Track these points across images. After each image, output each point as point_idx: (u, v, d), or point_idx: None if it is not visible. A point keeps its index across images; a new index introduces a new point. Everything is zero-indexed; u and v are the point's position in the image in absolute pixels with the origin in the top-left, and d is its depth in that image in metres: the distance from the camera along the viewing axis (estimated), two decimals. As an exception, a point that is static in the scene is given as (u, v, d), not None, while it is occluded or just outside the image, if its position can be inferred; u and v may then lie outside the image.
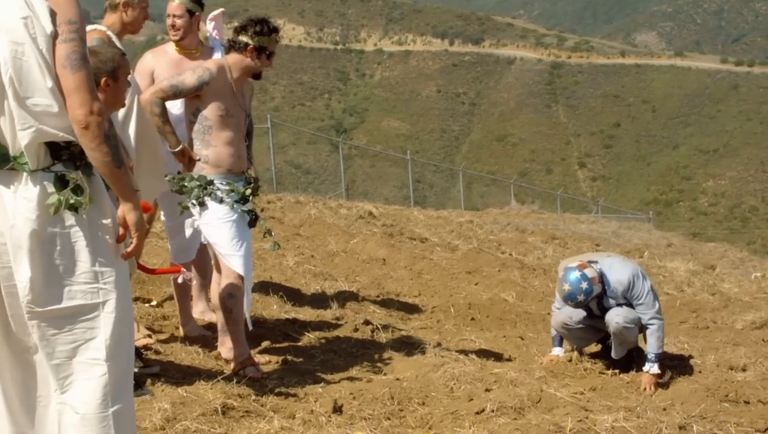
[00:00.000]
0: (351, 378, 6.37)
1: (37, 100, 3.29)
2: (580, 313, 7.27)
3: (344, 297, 9.06)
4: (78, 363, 3.43)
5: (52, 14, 3.29)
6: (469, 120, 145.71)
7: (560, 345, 7.50)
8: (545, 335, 8.74)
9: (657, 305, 7.16)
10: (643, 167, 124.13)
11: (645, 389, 6.85)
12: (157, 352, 6.42)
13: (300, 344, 7.21)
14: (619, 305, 7.10)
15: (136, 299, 7.88)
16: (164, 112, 6.04)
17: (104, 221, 3.49)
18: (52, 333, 3.41)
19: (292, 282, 9.45)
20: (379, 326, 7.97)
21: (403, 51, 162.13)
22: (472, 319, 9.25)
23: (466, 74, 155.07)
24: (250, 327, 6.51)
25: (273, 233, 6.59)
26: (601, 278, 7.06)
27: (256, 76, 6.37)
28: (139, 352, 5.91)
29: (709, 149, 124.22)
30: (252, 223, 6.24)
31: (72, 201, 3.36)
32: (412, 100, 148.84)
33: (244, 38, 6.20)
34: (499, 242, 15.67)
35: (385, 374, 6.57)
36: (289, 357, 6.80)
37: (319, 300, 8.84)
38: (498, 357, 7.62)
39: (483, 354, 7.60)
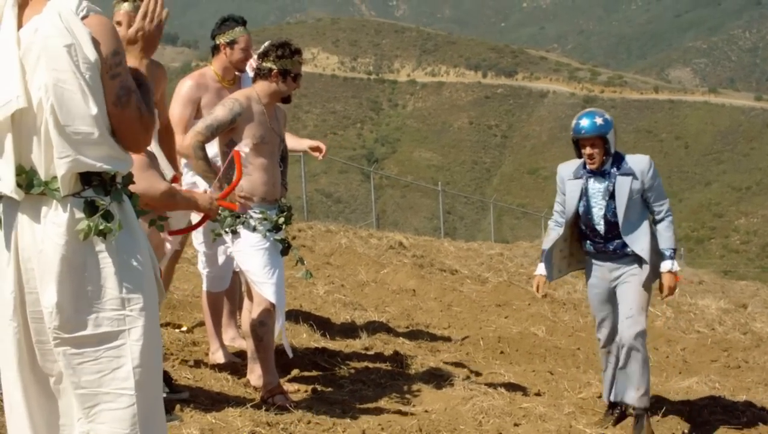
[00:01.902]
0: (379, 409, 6.35)
1: (78, 128, 3.30)
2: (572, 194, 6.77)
3: (374, 327, 9.05)
4: (104, 393, 3.39)
5: (95, 42, 3.31)
6: (500, 152, 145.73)
7: (546, 261, 7.01)
8: (575, 370, 8.70)
9: (667, 197, 6.85)
10: (675, 203, 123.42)
11: (668, 292, 6.74)
12: (186, 378, 6.43)
13: (329, 373, 7.19)
14: (632, 201, 6.62)
15: (167, 324, 7.89)
16: (206, 156, 6.05)
17: (134, 248, 3.48)
18: (78, 362, 3.38)
19: (322, 311, 9.45)
20: (408, 357, 7.95)
21: (436, 82, 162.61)
22: (502, 352, 9.21)
23: (499, 107, 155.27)
24: (290, 355, 6.52)
25: (305, 262, 6.59)
26: (618, 154, 6.73)
27: (285, 100, 6.36)
28: (168, 378, 5.93)
29: (741, 187, 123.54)
30: (284, 251, 6.24)
31: (101, 227, 3.34)
32: (444, 132, 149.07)
33: (267, 64, 6.22)
34: (529, 276, 15.59)
35: (413, 405, 6.55)
36: (318, 387, 6.79)
37: (349, 330, 8.83)
38: (527, 392, 7.58)
39: (512, 387, 7.57)
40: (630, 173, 6.63)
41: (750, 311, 15.37)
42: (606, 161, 6.65)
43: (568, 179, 6.84)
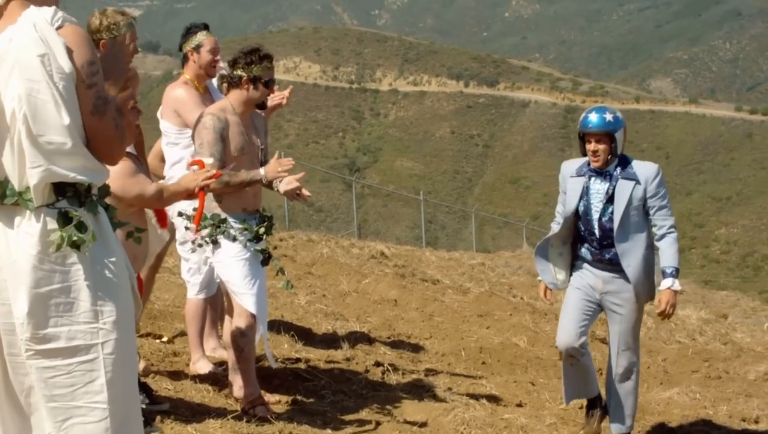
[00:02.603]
0: (361, 421, 6.34)
1: (51, 138, 3.29)
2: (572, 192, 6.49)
3: (355, 338, 9.04)
4: (77, 407, 3.38)
5: (69, 52, 3.30)
6: (482, 162, 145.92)
7: (544, 262, 6.77)
8: (556, 381, 8.69)
9: (673, 214, 6.50)
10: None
11: (666, 310, 6.31)
12: (167, 389, 6.40)
13: (310, 384, 7.17)
14: (632, 208, 6.29)
15: (147, 334, 7.86)
16: (229, 173, 5.99)
17: (109, 259, 3.46)
18: (50, 375, 3.36)
19: (304, 321, 9.43)
20: (389, 368, 7.94)
21: (418, 91, 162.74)
22: (483, 363, 9.21)
23: (481, 116, 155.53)
24: (273, 365, 6.51)
25: (286, 272, 6.57)
26: (624, 157, 6.44)
27: (260, 106, 6.32)
28: (148, 389, 5.90)
29: (722, 197, 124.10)
30: (265, 262, 6.23)
31: (75, 238, 3.33)
32: (426, 141, 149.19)
33: (237, 72, 6.21)
34: (510, 286, 15.62)
35: (395, 416, 6.54)
36: (299, 397, 6.78)
37: (330, 340, 8.81)
38: (508, 403, 7.58)
39: (493, 398, 7.57)
40: (633, 179, 6.32)
41: (730, 321, 15.44)
42: (611, 161, 6.37)
43: (570, 176, 6.55)
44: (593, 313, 6.57)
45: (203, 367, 7.05)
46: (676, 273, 6.29)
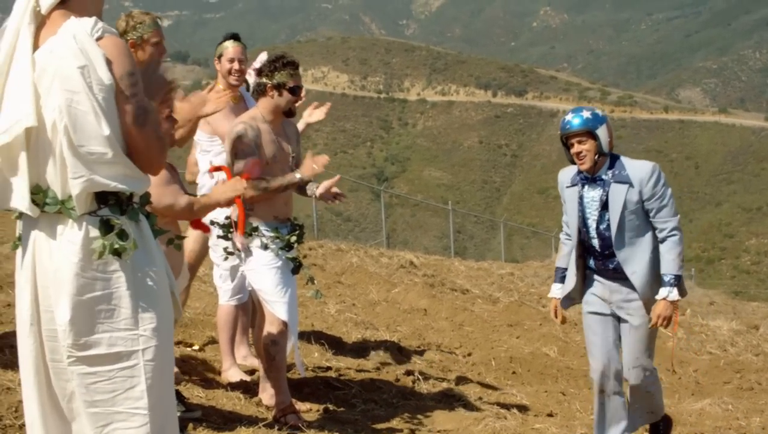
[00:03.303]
0: (391, 429, 6.33)
1: (92, 149, 3.32)
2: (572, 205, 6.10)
3: (385, 347, 9.03)
4: (118, 413, 3.41)
5: (108, 63, 3.33)
6: (510, 172, 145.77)
7: (561, 280, 6.33)
8: (587, 391, 8.66)
9: (677, 214, 6.00)
10: (685, 223, 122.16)
11: (660, 321, 5.83)
12: (198, 397, 6.42)
13: (341, 393, 7.17)
14: (628, 212, 5.87)
15: (178, 343, 7.88)
16: (266, 179, 6.04)
17: (150, 267, 3.49)
18: (91, 381, 3.39)
19: (334, 330, 9.43)
20: (420, 377, 7.93)
21: (446, 101, 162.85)
22: (514, 373, 9.18)
23: (509, 126, 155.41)
24: (303, 373, 6.52)
25: (316, 281, 6.57)
26: (614, 157, 6.00)
27: (288, 114, 6.32)
28: (181, 396, 5.92)
29: (752, 207, 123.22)
30: (296, 270, 6.23)
31: (116, 246, 3.36)
32: (454, 151, 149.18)
33: (262, 80, 6.24)
34: (540, 295, 15.57)
35: (425, 426, 6.52)
36: (330, 406, 6.77)
37: (361, 349, 8.81)
38: (539, 413, 7.55)
39: (524, 408, 7.54)
40: (626, 181, 5.89)
41: (762, 332, 15.30)
42: (600, 163, 5.96)
43: (566, 187, 6.20)
44: (615, 329, 6.12)
45: (234, 375, 7.06)
46: (675, 281, 5.81)
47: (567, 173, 6.23)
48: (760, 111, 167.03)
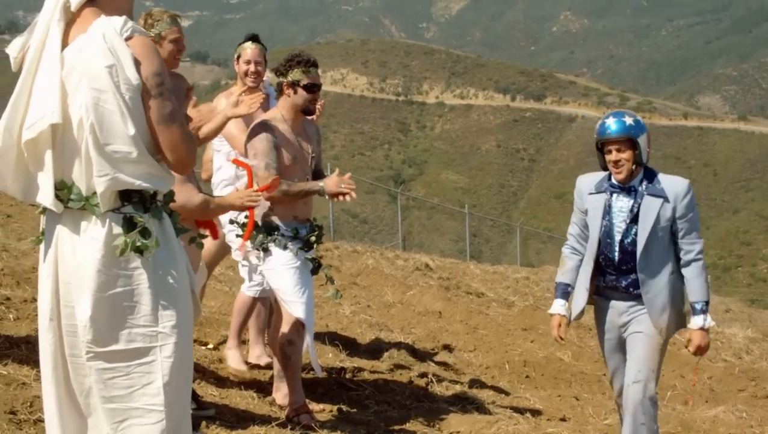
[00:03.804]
0: (404, 431, 6.34)
1: (117, 147, 3.35)
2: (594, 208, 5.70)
3: (400, 349, 9.04)
4: (134, 409, 3.44)
5: (136, 63, 3.36)
6: (528, 176, 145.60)
7: (564, 296, 5.92)
8: (600, 396, 8.66)
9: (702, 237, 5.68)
10: (702, 230, 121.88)
11: (699, 351, 5.60)
12: (212, 395, 6.44)
13: (354, 394, 7.19)
14: (659, 228, 5.52)
15: (193, 341, 7.91)
16: (287, 183, 6.03)
17: (171, 265, 3.52)
18: (109, 376, 3.43)
19: (348, 331, 9.45)
20: (433, 379, 7.94)
21: (465, 105, 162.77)
22: (527, 377, 9.18)
23: (527, 130, 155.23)
24: (320, 373, 6.55)
25: (335, 282, 6.59)
26: (647, 169, 5.65)
27: (306, 112, 6.28)
28: (195, 394, 5.95)
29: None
30: (315, 270, 6.25)
31: (139, 244, 3.40)
32: (472, 154, 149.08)
33: (279, 78, 6.26)
34: (555, 300, 15.55)
35: (438, 428, 6.54)
36: (343, 407, 6.79)
37: (375, 351, 8.83)
38: (552, 417, 7.55)
39: (537, 412, 7.54)
40: (661, 195, 5.52)
41: (777, 340, 15.26)
42: (635, 173, 5.59)
43: (589, 193, 5.76)
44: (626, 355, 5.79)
45: (232, 358, 7.14)
46: (707, 307, 5.53)
47: (589, 180, 5.83)
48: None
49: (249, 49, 7.01)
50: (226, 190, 7.00)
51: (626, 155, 5.52)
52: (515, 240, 42.03)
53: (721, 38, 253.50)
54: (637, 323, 5.63)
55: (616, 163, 5.54)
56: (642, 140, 5.52)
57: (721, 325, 16.50)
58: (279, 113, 6.23)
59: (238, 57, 7.04)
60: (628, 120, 5.53)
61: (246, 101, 5.90)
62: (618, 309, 5.71)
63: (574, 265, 5.87)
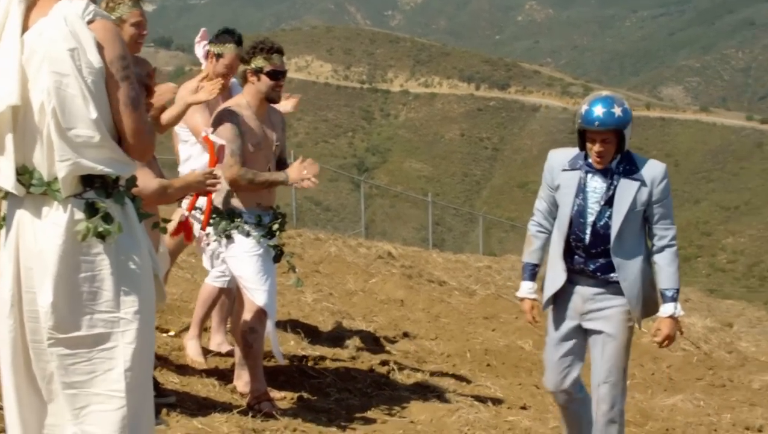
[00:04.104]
0: (365, 419, 6.37)
1: (80, 132, 3.34)
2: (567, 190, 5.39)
3: (361, 337, 9.06)
4: (95, 394, 3.44)
5: (99, 47, 3.35)
6: (491, 165, 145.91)
7: (532, 277, 5.68)
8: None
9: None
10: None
11: (666, 340, 5.34)
12: (173, 382, 6.44)
13: (316, 381, 7.21)
14: (634, 212, 5.27)
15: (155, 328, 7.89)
16: (252, 172, 6.04)
17: (135, 250, 3.51)
18: (70, 362, 3.42)
19: (310, 319, 9.45)
20: (395, 367, 7.97)
21: (429, 93, 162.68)
22: (488, 365, 9.22)
23: (491, 119, 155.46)
24: (282, 361, 6.56)
25: (297, 270, 6.59)
26: (628, 152, 5.38)
27: (270, 100, 6.26)
28: (155, 382, 5.93)
29: (730, 206, 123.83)
30: (277, 258, 6.25)
31: (101, 229, 3.40)
32: (436, 143, 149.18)
33: (243, 66, 6.25)
34: (516, 289, 15.58)
35: (399, 416, 6.56)
36: (305, 394, 6.81)
37: (336, 338, 8.84)
38: (513, 405, 7.60)
39: (498, 401, 7.59)
40: (638, 179, 5.28)
41: (735, 330, 15.44)
42: (614, 158, 5.33)
43: (562, 170, 5.44)
44: (579, 343, 5.51)
45: (192, 348, 7.15)
46: (677, 295, 5.30)
47: (563, 155, 5.51)
48: (740, 110, 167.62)
49: (235, 52, 6.81)
50: None
51: (610, 146, 5.25)
52: (478, 229, 42.14)
53: (684, 30, 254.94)
54: (606, 322, 5.37)
55: (599, 154, 5.26)
56: (628, 131, 5.27)
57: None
58: (244, 100, 6.23)
59: (218, 55, 6.82)
60: (617, 111, 5.19)
61: (206, 87, 5.87)
62: (583, 295, 5.42)
63: (541, 244, 5.62)
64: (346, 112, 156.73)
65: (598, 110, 5.17)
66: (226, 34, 6.93)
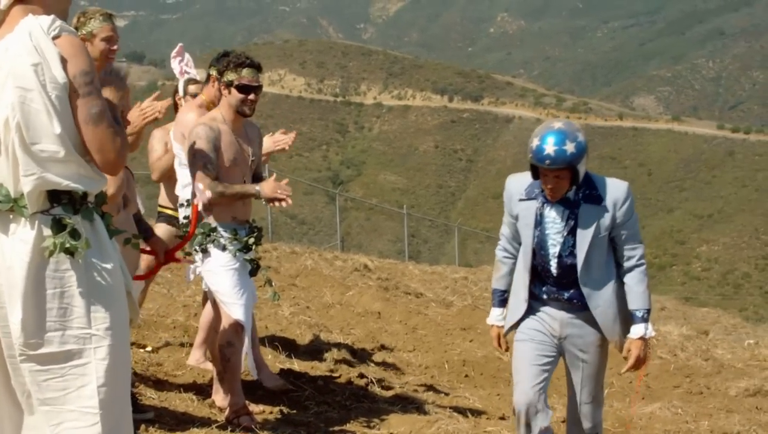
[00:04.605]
0: (344, 432, 6.35)
1: (44, 147, 3.33)
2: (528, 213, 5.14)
3: (339, 350, 9.04)
4: (69, 411, 3.41)
5: (63, 62, 3.33)
6: (465, 177, 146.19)
7: (501, 304, 5.48)
8: (539, 395, 8.71)
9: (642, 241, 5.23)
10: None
11: (637, 363, 5.11)
12: (151, 398, 6.40)
13: (294, 395, 7.18)
14: (599, 238, 5.02)
15: (131, 344, 7.85)
16: (224, 184, 5.99)
17: (105, 266, 3.49)
18: (43, 379, 3.40)
19: (288, 333, 9.43)
20: (373, 380, 7.96)
21: (403, 105, 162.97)
22: (466, 376, 9.23)
23: (465, 131, 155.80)
24: (255, 376, 6.53)
25: (273, 283, 6.58)
26: (585, 174, 5.05)
27: (241, 114, 6.16)
28: (133, 397, 5.90)
29: (703, 214, 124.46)
30: (254, 272, 6.23)
31: (68, 245, 3.37)
32: (410, 155, 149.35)
33: (220, 78, 6.23)
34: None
35: (378, 428, 6.55)
36: (283, 408, 6.78)
37: (314, 352, 8.82)
38: (491, 415, 7.60)
39: (476, 411, 7.59)
40: (599, 203, 5.00)
41: (711, 337, 15.50)
42: (569, 189, 5.04)
43: (519, 199, 5.18)
44: (551, 363, 5.25)
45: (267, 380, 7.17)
46: (648, 316, 5.07)
47: (519, 183, 5.24)
48: (712, 119, 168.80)
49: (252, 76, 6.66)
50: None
51: (564, 182, 4.96)
52: (453, 240, 42.25)
53: (654, 40, 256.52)
54: (584, 351, 5.20)
55: (552, 190, 4.99)
56: (581, 165, 4.93)
57: (656, 323, 16.69)
58: (219, 114, 6.20)
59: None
60: (570, 148, 4.84)
61: (159, 107, 5.72)
62: (560, 320, 5.20)
63: (508, 269, 5.40)
64: (320, 125, 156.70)
65: (549, 148, 4.85)
66: (238, 60, 6.78)
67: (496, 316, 5.47)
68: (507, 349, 5.54)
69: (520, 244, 5.30)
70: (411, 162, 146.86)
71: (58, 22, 3.39)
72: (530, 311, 5.26)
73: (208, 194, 5.94)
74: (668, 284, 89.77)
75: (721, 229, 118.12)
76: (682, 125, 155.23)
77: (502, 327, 5.42)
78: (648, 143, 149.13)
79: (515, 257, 5.37)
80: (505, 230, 5.41)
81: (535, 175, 5.03)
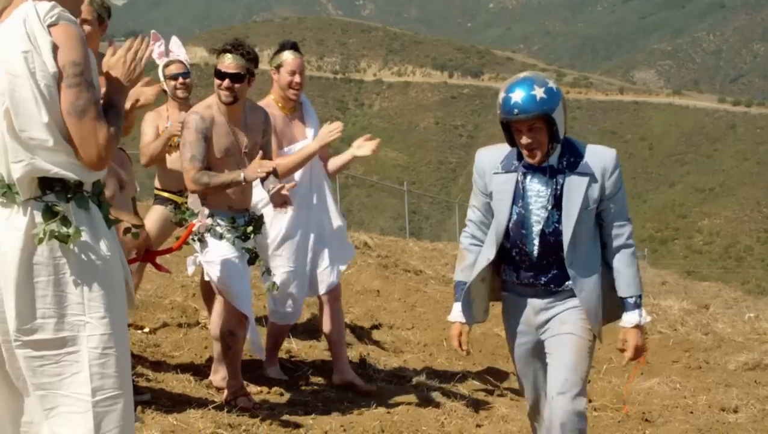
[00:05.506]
0: (342, 410, 6.36)
1: (33, 134, 3.31)
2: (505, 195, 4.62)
3: (337, 328, 9.03)
4: (63, 396, 3.41)
5: (55, 50, 3.30)
6: (466, 153, 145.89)
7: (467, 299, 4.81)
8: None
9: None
10: (639, 204, 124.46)
11: (635, 353, 4.67)
12: (148, 379, 6.41)
13: (292, 374, 7.19)
14: (587, 212, 4.53)
15: (129, 325, 7.85)
16: (208, 174, 5.87)
17: (99, 254, 3.47)
18: (38, 364, 3.39)
19: (286, 312, 9.42)
20: (371, 358, 7.96)
21: (403, 82, 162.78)
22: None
23: (465, 107, 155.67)
24: (262, 357, 6.52)
25: (272, 273, 6.46)
26: (568, 140, 4.58)
27: (221, 100, 6.02)
28: (130, 379, 5.91)
29: (705, 188, 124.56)
30: (251, 261, 6.15)
31: (57, 233, 3.36)
32: (410, 132, 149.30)
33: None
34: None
35: (376, 406, 6.55)
36: (281, 388, 6.79)
37: (312, 330, 8.82)
38: (489, 392, 7.61)
39: (475, 389, 7.59)
40: (587, 172, 4.51)
41: (712, 312, 15.49)
42: (552, 150, 4.53)
43: (494, 173, 4.69)
44: (544, 360, 4.79)
45: (273, 372, 7.14)
46: (641, 301, 4.63)
47: (493, 156, 4.76)
48: (713, 93, 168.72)
49: (291, 58, 6.73)
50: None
51: (540, 135, 4.45)
52: (454, 217, 42.21)
53: (655, 14, 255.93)
54: (561, 324, 4.65)
55: (529, 147, 4.48)
56: (558, 114, 4.44)
57: (657, 297, 16.69)
58: (214, 101, 6.09)
59: (279, 66, 6.71)
60: (539, 92, 4.40)
61: (148, 92, 5.65)
62: (535, 307, 4.70)
63: (475, 259, 4.80)
64: (320, 103, 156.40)
65: (517, 95, 4.43)
66: (281, 47, 6.87)
67: (457, 312, 4.83)
68: (468, 353, 4.97)
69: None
70: (411, 139, 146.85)
71: (57, 10, 3.35)
72: (509, 306, 4.83)
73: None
74: (670, 258, 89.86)
75: (723, 202, 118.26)
76: (683, 99, 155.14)
77: (465, 323, 4.83)
78: (649, 117, 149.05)
79: (486, 245, 4.78)
80: (473, 215, 4.86)
81: (510, 140, 4.61)
